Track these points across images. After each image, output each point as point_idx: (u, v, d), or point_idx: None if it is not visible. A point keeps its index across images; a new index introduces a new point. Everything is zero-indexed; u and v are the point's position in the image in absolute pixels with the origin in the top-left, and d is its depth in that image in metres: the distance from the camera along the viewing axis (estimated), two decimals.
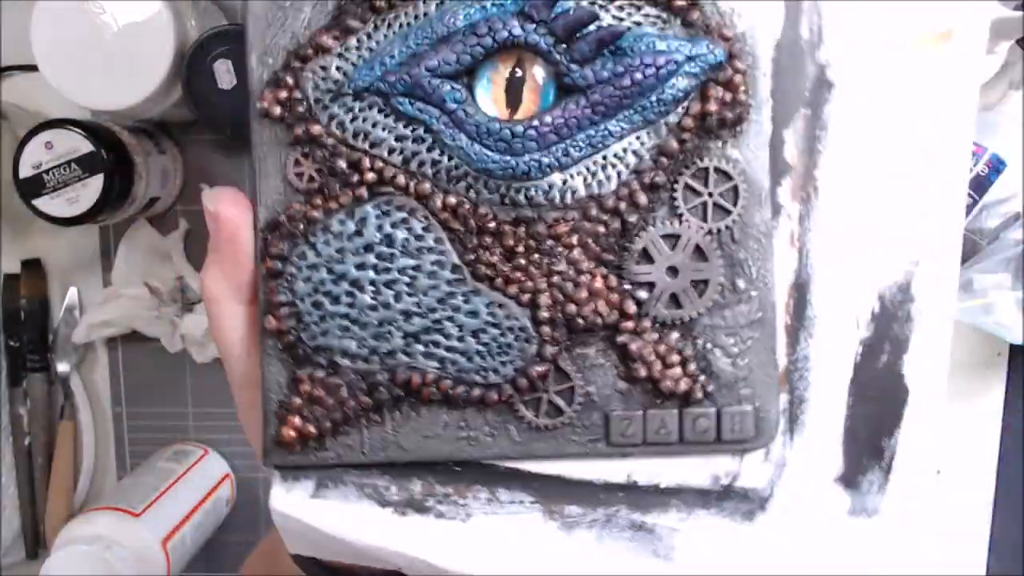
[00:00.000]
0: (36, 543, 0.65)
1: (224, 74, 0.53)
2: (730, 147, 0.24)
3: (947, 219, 0.26)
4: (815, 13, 0.24)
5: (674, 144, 0.23)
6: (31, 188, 0.53)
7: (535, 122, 0.23)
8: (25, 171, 0.53)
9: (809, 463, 0.26)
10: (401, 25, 0.23)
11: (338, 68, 0.23)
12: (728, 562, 0.25)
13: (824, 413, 0.26)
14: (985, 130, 0.60)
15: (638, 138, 0.23)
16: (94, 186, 0.53)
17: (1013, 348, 0.65)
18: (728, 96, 0.23)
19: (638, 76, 0.23)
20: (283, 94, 0.23)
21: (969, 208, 0.60)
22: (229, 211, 0.26)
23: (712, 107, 0.23)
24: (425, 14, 0.23)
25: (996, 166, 0.60)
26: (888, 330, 0.29)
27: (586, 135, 0.23)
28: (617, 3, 0.23)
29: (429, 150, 0.23)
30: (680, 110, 0.23)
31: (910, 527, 0.26)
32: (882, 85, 0.25)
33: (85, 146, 0.53)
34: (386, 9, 0.23)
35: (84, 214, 0.54)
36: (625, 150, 0.23)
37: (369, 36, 0.23)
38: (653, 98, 0.23)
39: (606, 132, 0.23)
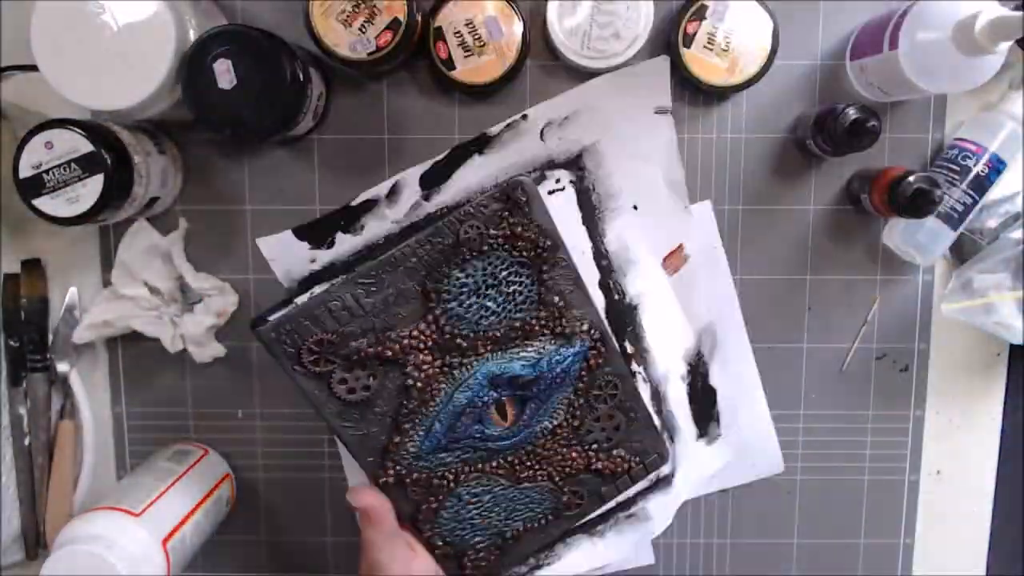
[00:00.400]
0: (36, 543, 0.65)
1: (224, 74, 0.53)
2: (607, 370, 0.53)
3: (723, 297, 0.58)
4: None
5: (578, 389, 0.52)
6: (31, 188, 0.53)
7: (521, 422, 0.51)
8: (25, 171, 0.53)
9: (685, 442, 0.59)
10: (429, 416, 0.49)
11: (411, 447, 0.49)
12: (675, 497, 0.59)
13: (682, 419, 0.59)
14: (985, 130, 0.60)
15: (563, 397, 0.52)
16: (94, 186, 0.53)
17: (1013, 348, 0.65)
18: (592, 359, 0.52)
19: (558, 379, 0.51)
20: (391, 470, 0.50)
21: (969, 208, 0.60)
22: (371, 502, 0.47)
23: (591, 363, 0.52)
24: (443, 402, 0.49)
25: (996, 166, 0.60)
26: (699, 365, 0.59)
27: (540, 412, 0.51)
28: (527, 347, 0.50)
29: (475, 452, 0.51)
30: (577, 373, 0.52)
31: (733, 439, 0.60)
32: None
33: (85, 146, 0.53)
34: (418, 410, 0.49)
35: (84, 214, 0.54)
36: (558, 404, 0.52)
37: (414, 428, 0.49)
38: (567, 380, 0.51)
39: (551, 403, 0.51)
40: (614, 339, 0.51)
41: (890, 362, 0.65)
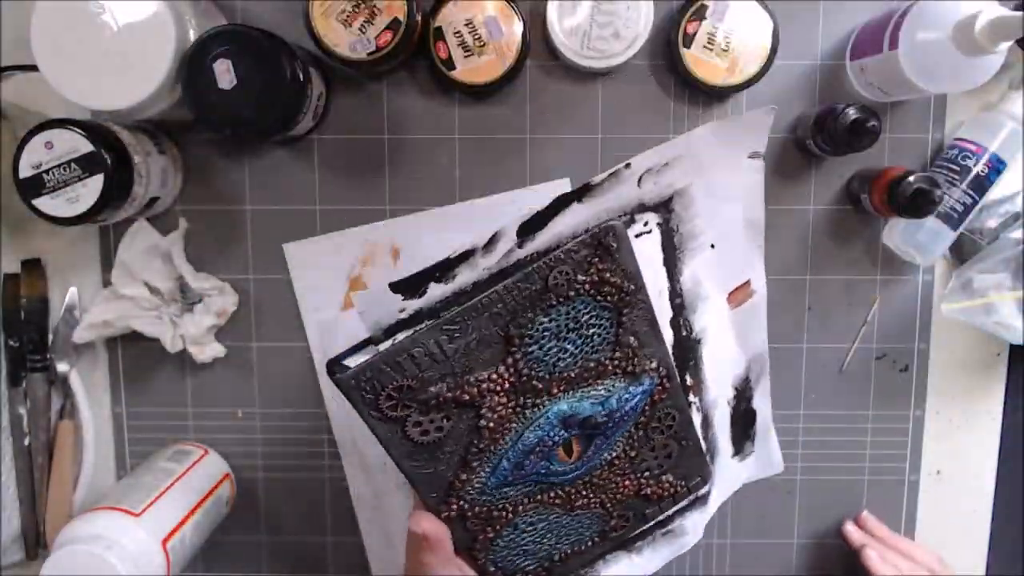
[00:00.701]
0: (36, 543, 0.65)
1: (224, 74, 0.53)
2: (668, 403, 0.52)
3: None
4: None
5: (639, 423, 0.52)
6: (31, 188, 0.53)
7: (585, 457, 0.51)
8: (25, 171, 0.53)
9: (723, 460, 0.60)
10: (498, 454, 0.49)
11: (476, 483, 0.49)
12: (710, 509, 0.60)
13: (723, 441, 0.60)
14: (985, 130, 0.60)
15: (623, 432, 0.52)
16: (94, 186, 0.53)
17: (1013, 348, 0.65)
18: (657, 395, 0.51)
19: (625, 417, 0.50)
20: (454, 505, 0.49)
21: (969, 208, 0.60)
22: (431, 528, 0.48)
23: (655, 398, 0.51)
24: (513, 440, 0.49)
25: (996, 166, 0.60)
26: (745, 389, 0.60)
27: (604, 447, 0.51)
28: (598, 386, 0.50)
29: (537, 486, 0.51)
30: (639, 411, 0.52)
31: (769, 455, 0.63)
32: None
33: (85, 146, 0.53)
34: (487, 449, 0.48)
35: (84, 214, 0.54)
36: (618, 438, 0.52)
37: (482, 466, 0.49)
38: (631, 417, 0.51)
39: (611, 441, 0.51)
40: (678, 375, 0.52)
41: (890, 362, 0.65)
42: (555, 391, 0.48)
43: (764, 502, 0.66)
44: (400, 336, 0.47)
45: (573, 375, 0.48)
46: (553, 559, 0.53)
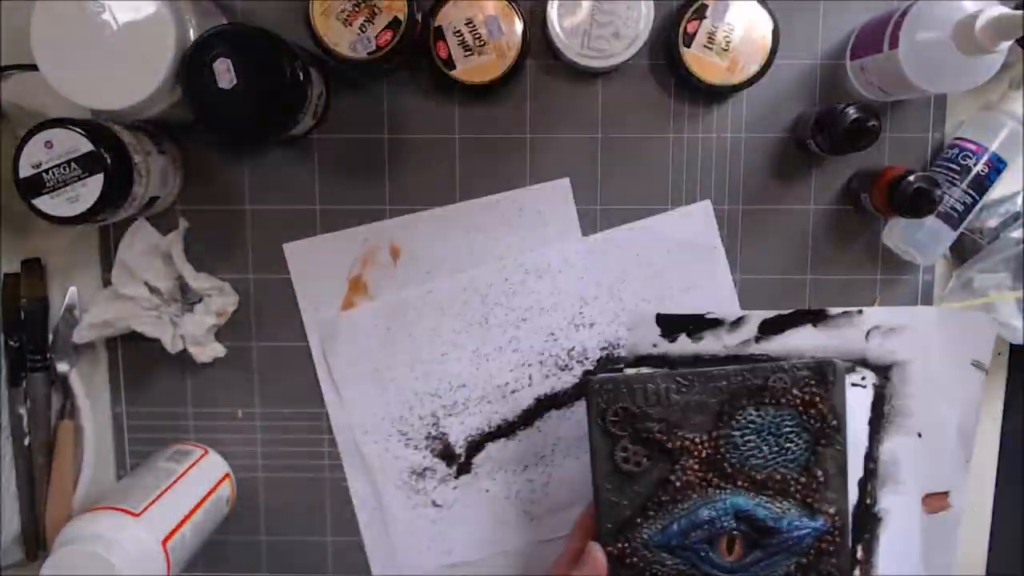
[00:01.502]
0: (36, 543, 0.65)
1: (224, 74, 0.53)
2: (833, 561, 0.54)
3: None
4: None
5: (800, 563, 0.53)
6: (31, 188, 0.53)
7: (744, 563, 0.53)
8: (25, 171, 0.53)
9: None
10: (673, 515, 0.53)
11: (645, 534, 0.53)
12: None
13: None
14: (985, 130, 0.60)
15: (787, 563, 0.53)
16: (94, 186, 0.53)
17: (1013, 348, 0.65)
18: (827, 544, 0.53)
19: (789, 542, 0.53)
20: (620, 544, 0.54)
21: (969, 207, 0.60)
22: (600, 558, 0.53)
23: (823, 545, 0.53)
24: (689, 509, 0.53)
25: (996, 166, 0.60)
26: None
27: (763, 563, 0.53)
28: (777, 500, 0.53)
29: (692, 569, 0.53)
30: (808, 549, 0.53)
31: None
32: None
33: (85, 146, 0.53)
34: (667, 505, 0.53)
35: (84, 214, 0.54)
36: (779, 566, 0.53)
37: (656, 519, 0.53)
38: (797, 548, 0.53)
39: (774, 561, 0.53)
40: (859, 549, 0.57)
41: None
42: (739, 483, 0.54)
43: None
44: (644, 370, 0.57)
45: (760, 478, 0.54)
46: None
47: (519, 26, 0.58)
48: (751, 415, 0.53)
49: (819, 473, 0.53)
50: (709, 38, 0.59)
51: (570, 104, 0.63)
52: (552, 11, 0.58)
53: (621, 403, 0.54)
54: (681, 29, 0.59)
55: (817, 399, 0.53)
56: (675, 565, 0.54)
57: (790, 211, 0.64)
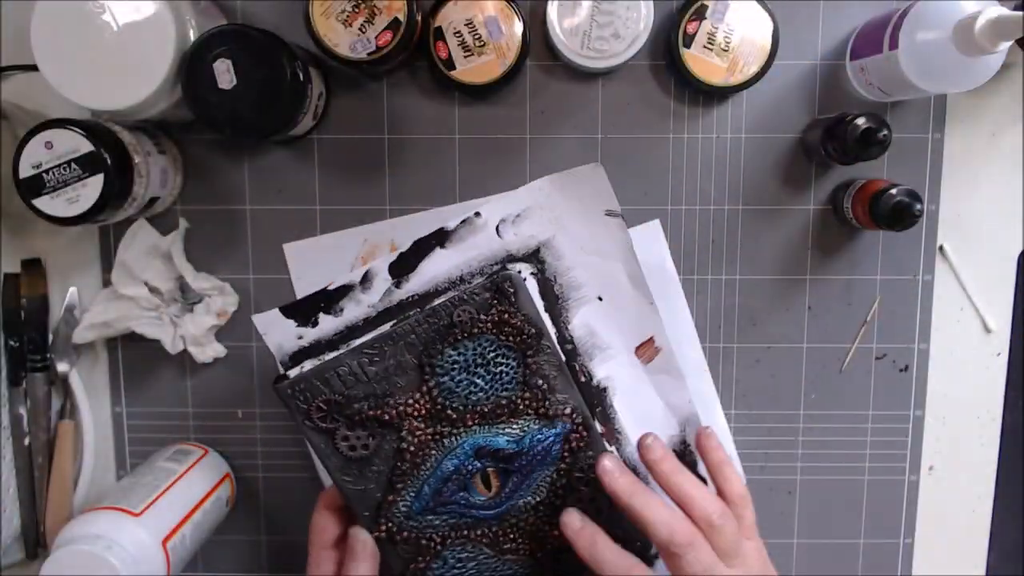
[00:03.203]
0: (36, 543, 0.65)
1: (224, 74, 0.53)
2: (589, 454, 0.55)
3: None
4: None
5: (560, 470, 0.54)
6: (31, 188, 0.53)
7: (504, 493, 0.54)
8: (25, 171, 0.53)
9: None
10: (420, 479, 0.53)
11: (402, 506, 0.53)
12: None
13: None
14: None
15: (546, 476, 0.54)
16: (94, 186, 0.53)
17: (1013, 348, 0.65)
18: (575, 441, 0.54)
19: (538, 456, 0.54)
20: (383, 526, 0.53)
21: None
22: (367, 540, 0.52)
23: (573, 445, 0.54)
24: (433, 467, 0.53)
25: None
26: (685, 453, 0.59)
27: (524, 485, 0.54)
28: (512, 424, 0.54)
29: (461, 518, 0.54)
30: (559, 454, 0.54)
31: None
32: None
33: (85, 146, 0.53)
34: (410, 472, 0.53)
35: (84, 214, 0.54)
36: (541, 482, 0.54)
37: (406, 489, 0.53)
38: (548, 458, 0.54)
39: (532, 479, 0.54)
40: (596, 424, 0.55)
41: (890, 362, 0.65)
42: (470, 423, 0.53)
43: (764, 502, 0.66)
44: (328, 355, 0.53)
45: (487, 409, 0.53)
46: None
47: (519, 26, 0.58)
48: (451, 356, 0.53)
49: (539, 382, 0.53)
50: (709, 39, 0.59)
51: (570, 104, 0.63)
52: (552, 11, 0.58)
53: (321, 397, 0.52)
54: (681, 29, 0.59)
55: (506, 315, 0.53)
56: (444, 522, 0.54)
57: (790, 211, 0.64)
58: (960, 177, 0.64)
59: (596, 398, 0.58)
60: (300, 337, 0.56)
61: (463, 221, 0.57)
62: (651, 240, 0.63)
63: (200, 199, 0.64)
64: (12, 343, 0.64)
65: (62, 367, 0.64)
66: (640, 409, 0.58)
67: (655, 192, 0.64)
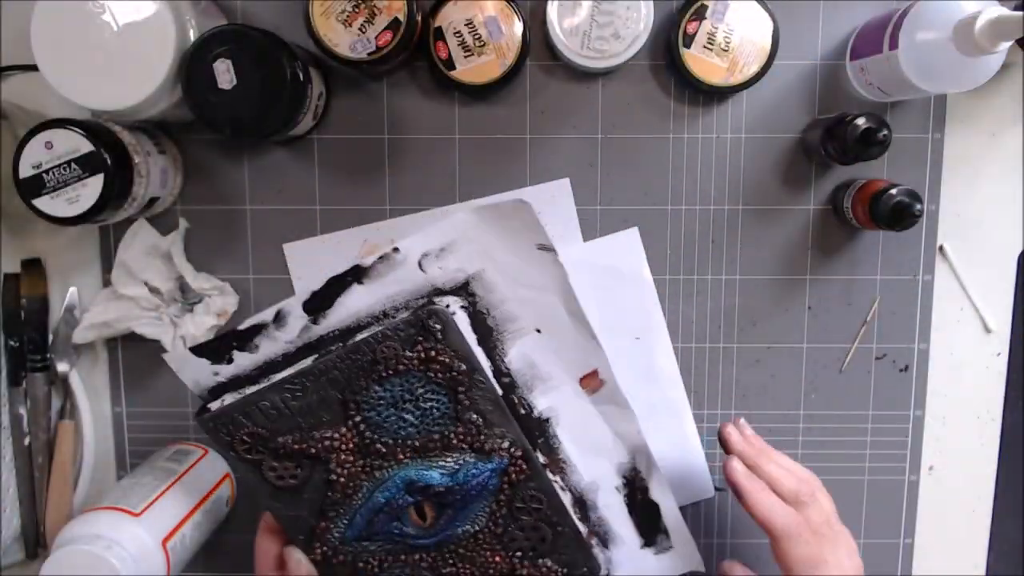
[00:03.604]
0: (36, 543, 0.65)
1: (224, 74, 0.53)
2: (531, 485, 0.55)
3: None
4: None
5: (500, 500, 0.55)
6: (31, 188, 0.53)
7: (439, 524, 0.54)
8: (25, 171, 0.53)
9: (626, 548, 0.59)
10: (352, 508, 0.53)
11: (336, 533, 0.53)
12: None
13: (620, 526, 0.58)
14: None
15: (485, 506, 0.54)
16: (94, 186, 0.53)
17: (1013, 348, 0.65)
18: (514, 474, 0.54)
19: (474, 491, 0.53)
20: (318, 550, 0.54)
21: None
22: (302, 559, 0.54)
23: (512, 477, 0.54)
24: (364, 498, 0.53)
25: None
26: (635, 480, 0.58)
27: (460, 516, 0.54)
28: (447, 457, 0.53)
29: (396, 545, 0.54)
30: (497, 487, 0.54)
31: (687, 549, 0.59)
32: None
33: (85, 146, 0.53)
34: (341, 502, 0.53)
35: (84, 214, 0.54)
36: (479, 512, 0.54)
37: (339, 516, 0.53)
38: (485, 492, 0.54)
39: (469, 511, 0.54)
40: (538, 455, 0.55)
41: (890, 362, 0.65)
42: (401, 456, 0.53)
43: None
44: (250, 389, 0.53)
45: (418, 444, 0.53)
46: None
47: (519, 26, 0.58)
48: (377, 392, 0.52)
49: (474, 417, 0.53)
50: (709, 39, 0.59)
51: (570, 104, 0.63)
52: (552, 11, 0.58)
53: (243, 430, 0.52)
54: (681, 30, 0.59)
55: (433, 352, 0.52)
56: (380, 547, 0.54)
57: (790, 211, 0.64)
58: (960, 177, 0.64)
59: (538, 429, 0.56)
60: (216, 374, 0.55)
61: (380, 257, 0.54)
62: (628, 248, 0.63)
63: (200, 199, 0.64)
64: (12, 343, 0.64)
65: (62, 367, 0.64)
66: (588, 438, 0.58)
67: (655, 192, 0.64)
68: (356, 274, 0.54)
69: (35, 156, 0.53)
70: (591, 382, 0.56)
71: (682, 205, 0.64)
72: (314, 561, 0.54)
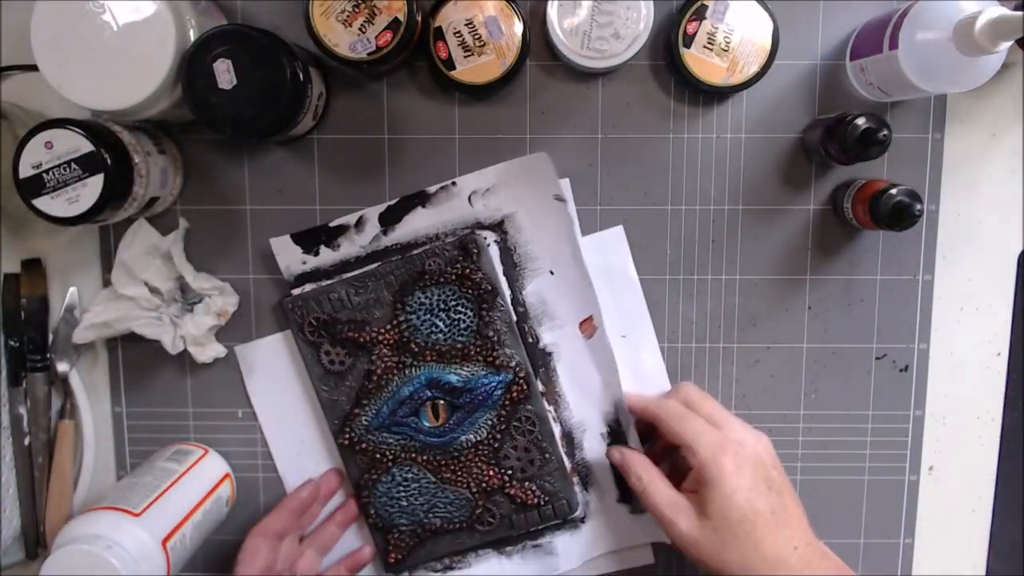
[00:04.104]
0: (36, 543, 0.65)
1: (224, 74, 0.53)
2: (528, 407, 0.63)
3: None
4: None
5: (500, 416, 0.63)
6: (31, 188, 0.53)
7: (448, 424, 0.63)
8: (25, 171, 0.53)
9: (603, 498, 0.65)
10: (381, 399, 0.63)
11: (364, 421, 0.63)
12: (575, 549, 0.66)
13: (600, 474, 0.65)
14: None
15: (487, 417, 0.63)
16: (94, 186, 0.53)
17: (1013, 348, 0.65)
18: (515, 392, 0.62)
19: (481, 397, 0.62)
20: (347, 434, 0.64)
21: None
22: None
23: (514, 394, 0.63)
24: (393, 391, 0.63)
25: None
26: (619, 431, 0.64)
27: (467, 422, 0.63)
28: (464, 365, 0.62)
29: (410, 440, 0.63)
30: (500, 400, 0.63)
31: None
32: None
33: (85, 146, 0.53)
34: (374, 392, 0.63)
35: (84, 214, 0.54)
36: (482, 423, 0.63)
37: (369, 405, 0.63)
38: (490, 401, 0.62)
39: (475, 418, 0.63)
40: (538, 383, 0.63)
41: (890, 362, 0.65)
42: (428, 358, 0.62)
43: None
44: (324, 282, 0.62)
45: (444, 349, 0.62)
46: (425, 527, 0.64)
47: (519, 26, 0.58)
48: (420, 298, 0.61)
49: (491, 334, 0.62)
50: (709, 39, 0.59)
51: (570, 104, 0.63)
52: (552, 11, 0.58)
53: (313, 314, 0.62)
54: (681, 30, 0.59)
55: (468, 271, 0.61)
56: (396, 441, 0.63)
57: (790, 211, 0.64)
58: (960, 177, 0.64)
59: (541, 360, 0.64)
60: (304, 263, 0.63)
61: (441, 187, 0.63)
62: (614, 246, 0.64)
63: (200, 199, 0.64)
64: (12, 343, 0.64)
65: (62, 367, 0.64)
66: (580, 380, 0.64)
67: (655, 192, 0.64)
68: (422, 198, 0.63)
69: (35, 156, 0.53)
70: (588, 327, 0.63)
71: (682, 205, 0.64)
72: (341, 446, 0.63)
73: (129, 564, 0.52)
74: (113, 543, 0.52)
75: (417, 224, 0.63)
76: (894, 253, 0.64)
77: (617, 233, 0.64)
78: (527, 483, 0.63)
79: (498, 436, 0.63)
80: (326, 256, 0.63)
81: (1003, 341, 0.65)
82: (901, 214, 0.55)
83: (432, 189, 0.63)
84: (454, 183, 0.63)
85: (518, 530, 0.64)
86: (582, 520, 0.65)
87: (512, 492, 0.63)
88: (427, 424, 0.62)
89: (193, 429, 0.66)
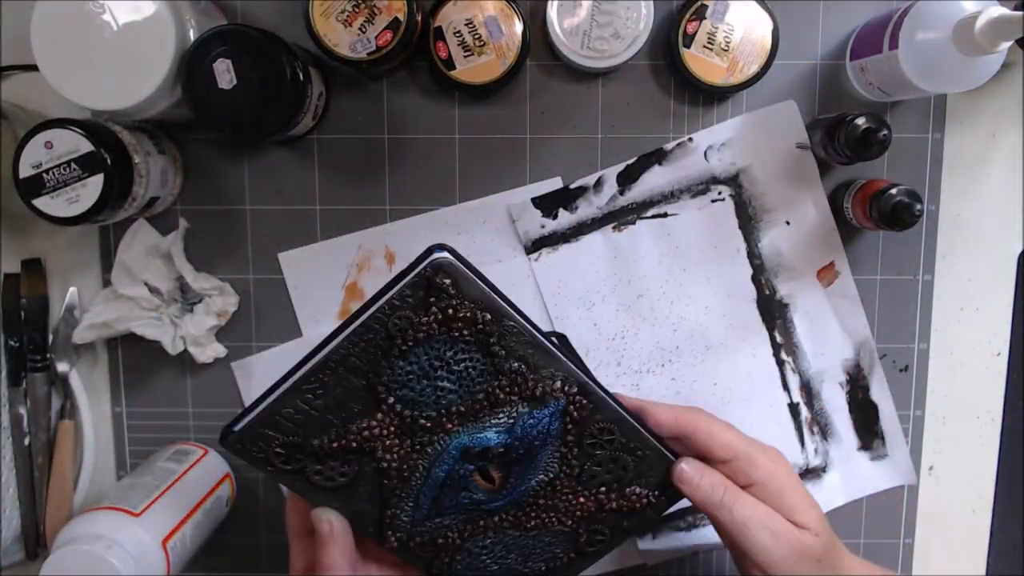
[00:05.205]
0: (36, 543, 0.65)
1: (224, 74, 0.53)
2: (598, 419, 0.50)
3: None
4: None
5: (568, 442, 0.50)
6: (31, 188, 0.53)
7: (509, 483, 0.50)
8: (25, 171, 0.53)
9: (843, 447, 0.66)
10: (414, 489, 0.49)
11: (405, 518, 0.50)
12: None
13: (840, 423, 0.65)
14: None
15: (553, 452, 0.50)
16: (94, 186, 0.53)
17: (1012, 348, 0.65)
18: (575, 412, 0.49)
19: (537, 440, 0.49)
20: (392, 538, 0.50)
21: None
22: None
23: (575, 415, 0.49)
24: (423, 477, 0.49)
25: None
26: (859, 377, 0.64)
27: (530, 469, 0.50)
28: (498, 414, 0.48)
29: (471, 514, 0.50)
30: (559, 431, 0.50)
31: (902, 460, 0.66)
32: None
33: (85, 146, 0.53)
34: (400, 487, 0.49)
35: (84, 214, 0.54)
36: (549, 461, 0.50)
37: (402, 501, 0.49)
38: (548, 440, 0.49)
39: (537, 462, 0.50)
40: (598, 388, 0.50)
41: (890, 362, 0.65)
42: (449, 426, 0.48)
43: None
44: (269, 399, 0.47)
45: (464, 409, 0.48)
46: (527, 574, 0.53)
47: (519, 26, 0.58)
48: (403, 367, 0.47)
49: (515, 365, 0.48)
50: (709, 38, 0.59)
51: (570, 104, 0.63)
52: (552, 11, 0.58)
53: (275, 443, 0.47)
54: (681, 29, 0.59)
55: (450, 310, 0.46)
56: (455, 521, 0.50)
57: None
58: (960, 177, 0.64)
59: (778, 311, 0.63)
60: (543, 227, 0.63)
61: (678, 144, 0.63)
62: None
63: (200, 199, 0.64)
64: (12, 343, 0.64)
65: (62, 367, 0.64)
66: (818, 329, 0.64)
67: None
68: (659, 156, 0.63)
69: (35, 156, 0.53)
70: (827, 274, 0.63)
71: None
72: (391, 549, 0.50)
73: (129, 564, 0.52)
74: (113, 543, 0.52)
75: (654, 182, 0.63)
76: (894, 253, 0.64)
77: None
78: (627, 489, 0.52)
79: (574, 463, 0.50)
80: (563, 219, 0.63)
81: (1003, 341, 0.65)
82: (901, 214, 0.55)
83: (669, 146, 0.63)
84: (690, 139, 0.63)
85: (634, 535, 0.58)
86: (823, 470, 0.65)
87: (614, 506, 0.52)
88: (484, 495, 0.50)
89: (193, 429, 0.66)
